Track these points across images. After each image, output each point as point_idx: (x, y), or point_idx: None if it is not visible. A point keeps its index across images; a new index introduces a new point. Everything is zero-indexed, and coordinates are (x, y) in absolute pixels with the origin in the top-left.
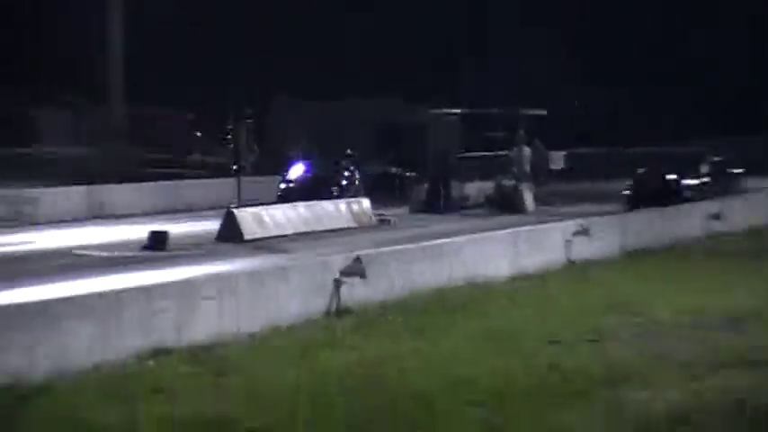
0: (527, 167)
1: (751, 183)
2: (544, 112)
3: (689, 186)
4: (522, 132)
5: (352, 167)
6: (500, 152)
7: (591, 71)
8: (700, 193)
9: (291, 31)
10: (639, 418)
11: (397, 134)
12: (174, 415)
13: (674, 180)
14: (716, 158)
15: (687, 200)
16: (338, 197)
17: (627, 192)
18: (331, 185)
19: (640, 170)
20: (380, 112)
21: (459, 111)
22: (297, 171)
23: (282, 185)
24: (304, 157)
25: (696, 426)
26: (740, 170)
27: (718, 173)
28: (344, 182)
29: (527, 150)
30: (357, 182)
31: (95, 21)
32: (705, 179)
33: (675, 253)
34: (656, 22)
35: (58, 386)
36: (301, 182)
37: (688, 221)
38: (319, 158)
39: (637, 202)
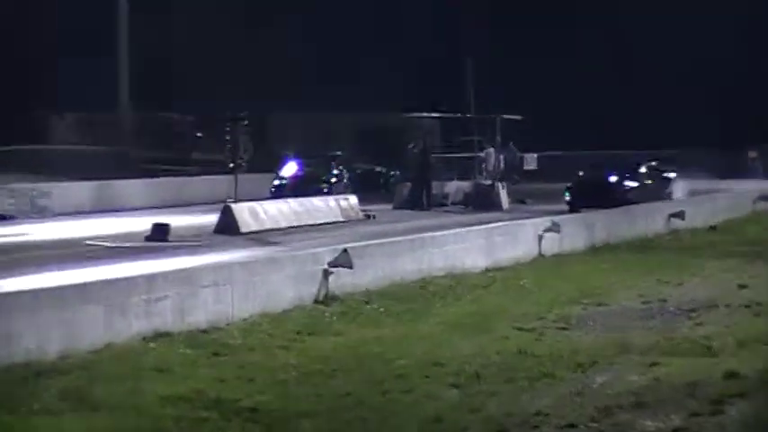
0: (499, 167)
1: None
2: (519, 117)
3: (631, 188)
4: (498, 137)
5: (340, 166)
6: (478, 154)
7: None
8: (640, 195)
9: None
10: (601, 399)
11: (379, 136)
12: (176, 393)
13: (617, 182)
14: (652, 163)
15: (629, 201)
16: (328, 193)
17: (567, 192)
18: (321, 183)
19: (580, 173)
20: (365, 117)
21: (437, 115)
22: (290, 169)
23: (276, 182)
24: (296, 156)
25: (652, 407)
26: (673, 174)
27: (655, 176)
28: (333, 179)
29: (492, 152)
30: (345, 179)
31: (106, 32)
32: (647, 181)
33: (639, 248)
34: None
35: (69, 365)
36: (293, 179)
37: (651, 219)
38: (310, 158)
39: (576, 203)
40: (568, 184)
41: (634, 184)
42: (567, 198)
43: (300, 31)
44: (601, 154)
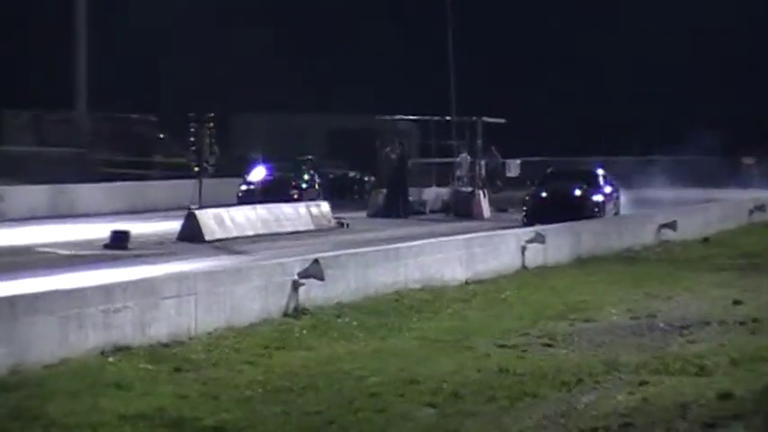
0: (480, 173)
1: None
2: (503, 121)
3: (597, 203)
4: (479, 141)
5: (311, 171)
6: (454, 159)
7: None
8: (603, 211)
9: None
10: (587, 421)
11: (353, 139)
12: (135, 411)
13: (583, 195)
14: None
15: (594, 216)
16: (298, 200)
17: (524, 207)
18: (291, 188)
19: (528, 181)
20: (337, 118)
21: (413, 117)
22: (258, 173)
23: (243, 187)
24: (265, 160)
25: (640, 429)
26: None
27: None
28: (304, 185)
29: (467, 158)
30: (316, 185)
31: (63, 24)
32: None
33: (627, 260)
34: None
35: (21, 381)
36: (262, 184)
37: (641, 230)
38: (280, 162)
39: (534, 220)
40: (526, 196)
41: (600, 197)
42: (524, 214)
43: (270, 27)
44: (557, 161)
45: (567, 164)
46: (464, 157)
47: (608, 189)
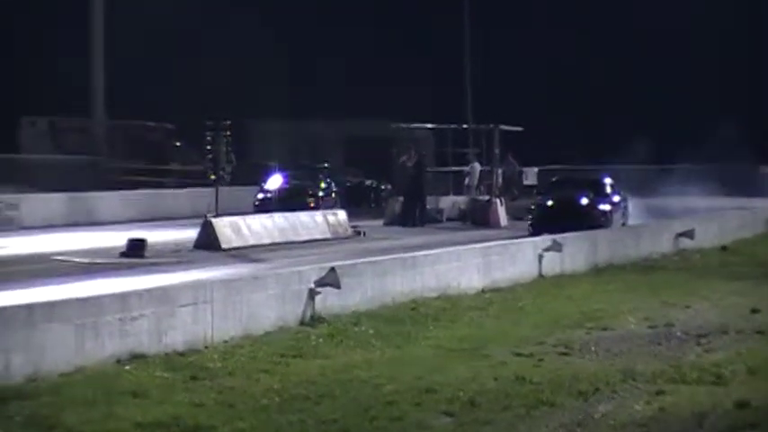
0: (475, 182)
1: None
2: (520, 129)
3: (604, 212)
4: (496, 149)
5: (328, 179)
6: (464, 168)
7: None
8: (610, 220)
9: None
10: (604, 430)
11: (367, 147)
12: (151, 419)
13: (590, 204)
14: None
15: (601, 225)
16: (315, 208)
17: (530, 216)
18: (308, 196)
19: (538, 194)
20: (351, 127)
21: (430, 125)
22: (274, 181)
23: (260, 195)
24: (281, 168)
25: None
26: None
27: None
28: (321, 193)
29: (477, 166)
30: (333, 193)
31: (79, 31)
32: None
33: (644, 268)
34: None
35: (36, 389)
36: (278, 192)
37: (658, 238)
38: (296, 169)
39: (541, 230)
40: (532, 205)
41: (608, 206)
42: (529, 223)
43: (282, 33)
44: (571, 170)
45: (577, 172)
46: (474, 166)
47: (616, 198)
